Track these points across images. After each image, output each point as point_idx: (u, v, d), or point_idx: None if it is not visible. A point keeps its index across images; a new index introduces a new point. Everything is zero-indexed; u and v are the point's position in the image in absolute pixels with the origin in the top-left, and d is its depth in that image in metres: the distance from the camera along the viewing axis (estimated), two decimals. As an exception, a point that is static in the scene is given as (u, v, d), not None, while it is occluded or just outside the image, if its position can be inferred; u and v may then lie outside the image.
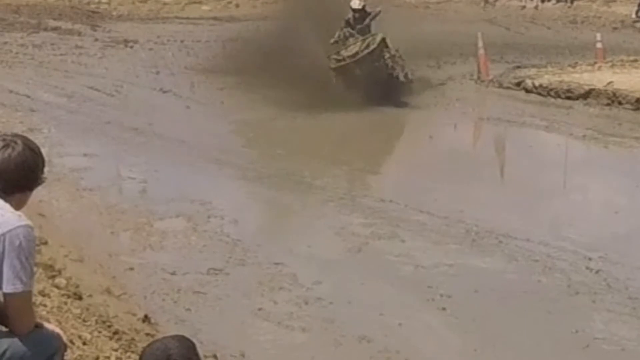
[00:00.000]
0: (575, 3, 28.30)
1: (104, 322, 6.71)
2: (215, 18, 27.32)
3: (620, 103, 16.13)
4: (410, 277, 8.88)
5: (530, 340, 7.58)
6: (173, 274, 8.70)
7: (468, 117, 17.10)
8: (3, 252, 3.72)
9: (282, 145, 14.09)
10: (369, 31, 17.13)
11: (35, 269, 4.16)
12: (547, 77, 17.90)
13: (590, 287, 8.55)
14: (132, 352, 6.13)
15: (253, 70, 17.40)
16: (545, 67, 19.26)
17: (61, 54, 21.21)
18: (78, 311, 6.67)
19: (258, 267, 8.96)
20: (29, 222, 3.82)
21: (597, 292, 8.45)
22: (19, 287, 3.75)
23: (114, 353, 6.05)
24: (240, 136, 15.08)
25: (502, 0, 28.78)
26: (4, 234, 3.73)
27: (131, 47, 22.41)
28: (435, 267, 9.07)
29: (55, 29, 24.47)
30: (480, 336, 7.70)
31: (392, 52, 16.80)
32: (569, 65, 19.14)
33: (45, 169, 4.02)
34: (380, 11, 17.59)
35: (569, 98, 16.80)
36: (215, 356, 6.87)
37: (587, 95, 16.63)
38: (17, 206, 3.88)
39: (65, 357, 4.17)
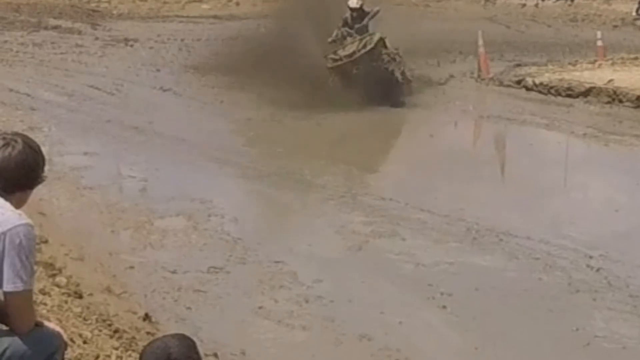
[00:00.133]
0: (575, 1, 28.27)
1: (104, 320, 6.71)
2: (215, 16, 27.33)
3: (620, 101, 16.12)
4: (410, 275, 8.88)
5: (530, 339, 7.58)
6: (173, 272, 8.70)
7: (468, 116, 17.10)
8: (3, 251, 3.72)
9: (282, 144, 14.08)
10: (367, 30, 17.10)
11: (35, 267, 4.17)
12: (548, 75, 17.88)
13: (591, 285, 8.55)
14: (133, 350, 6.13)
15: (253, 70, 17.38)
16: (546, 65, 19.25)
17: (61, 53, 21.21)
18: (78, 310, 6.68)
19: (258, 266, 8.96)
20: (29, 221, 3.82)
21: (598, 290, 8.45)
22: (19, 286, 3.75)
23: (114, 352, 6.05)
24: (240, 135, 15.07)
25: (502, -2, 28.79)
26: (4, 233, 3.73)
27: (131, 45, 22.41)
28: (436, 266, 9.07)
29: (55, 27, 24.49)
30: (481, 334, 7.70)
31: (390, 51, 16.77)
32: (570, 63, 19.14)
33: (46, 168, 4.02)
34: (379, 10, 17.55)
35: (569, 96, 16.79)
36: (215, 355, 6.88)
37: (587, 93, 16.62)
38: (18, 205, 3.88)
39: (65, 356, 4.17)
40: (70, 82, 18.06)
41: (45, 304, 6.36)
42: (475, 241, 9.66)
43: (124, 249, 9.39)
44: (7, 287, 3.75)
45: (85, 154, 12.98)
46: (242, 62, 18.32)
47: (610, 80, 16.75)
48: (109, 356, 5.93)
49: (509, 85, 17.95)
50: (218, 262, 8.96)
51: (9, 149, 3.86)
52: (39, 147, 4.00)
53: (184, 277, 8.61)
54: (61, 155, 12.63)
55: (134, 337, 6.57)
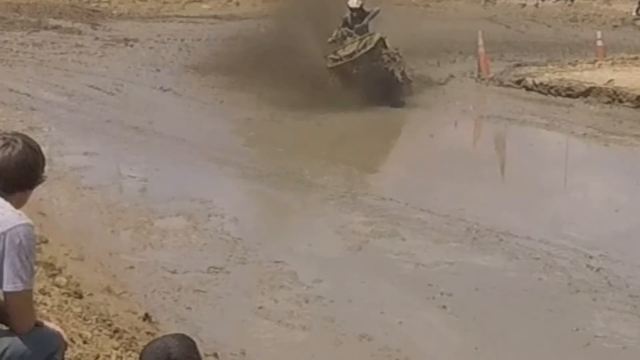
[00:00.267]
0: (575, 1, 28.27)
1: (104, 320, 6.71)
2: (215, 16, 27.33)
3: (620, 101, 16.12)
4: (410, 275, 8.88)
5: (530, 339, 7.58)
6: (173, 272, 8.70)
7: (468, 116, 17.10)
8: (3, 251, 3.72)
9: (282, 144, 14.08)
10: (367, 30, 17.10)
11: (35, 267, 4.17)
12: (548, 75, 17.88)
13: (591, 285, 8.55)
14: (133, 350, 6.13)
15: (253, 70, 17.38)
16: (546, 65, 19.25)
17: (61, 53, 21.21)
18: (78, 310, 6.68)
19: (258, 266, 8.96)
20: (29, 221, 3.82)
21: (598, 290, 8.44)
22: (19, 286, 3.75)
23: (114, 352, 6.05)
24: (240, 135, 15.07)
25: (502, -2, 28.79)
26: (4, 233, 3.73)
27: (131, 45, 22.41)
28: (436, 266, 9.07)
29: (55, 27, 24.49)
30: (481, 334, 7.70)
31: (390, 51, 16.76)
32: (570, 63, 19.13)
33: (46, 168, 4.02)
34: (379, 10, 17.55)
35: (569, 96, 16.79)
36: (215, 355, 6.88)
37: (587, 93, 16.62)
38: (18, 205, 3.88)
39: (65, 356, 4.17)
40: (70, 82, 18.06)
41: (45, 304, 6.36)
42: (475, 241, 9.66)
43: (124, 249, 9.39)
44: (7, 287, 3.75)
45: (85, 154, 12.98)
46: (242, 62, 18.32)
47: (610, 80, 16.75)
48: (109, 356, 5.93)
49: (509, 85, 17.94)
50: (218, 262, 8.96)
51: (9, 149, 3.86)
52: (39, 147, 4.00)
53: (184, 277, 8.61)
54: (61, 155, 12.63)
55: (134, 337, 6.57)
